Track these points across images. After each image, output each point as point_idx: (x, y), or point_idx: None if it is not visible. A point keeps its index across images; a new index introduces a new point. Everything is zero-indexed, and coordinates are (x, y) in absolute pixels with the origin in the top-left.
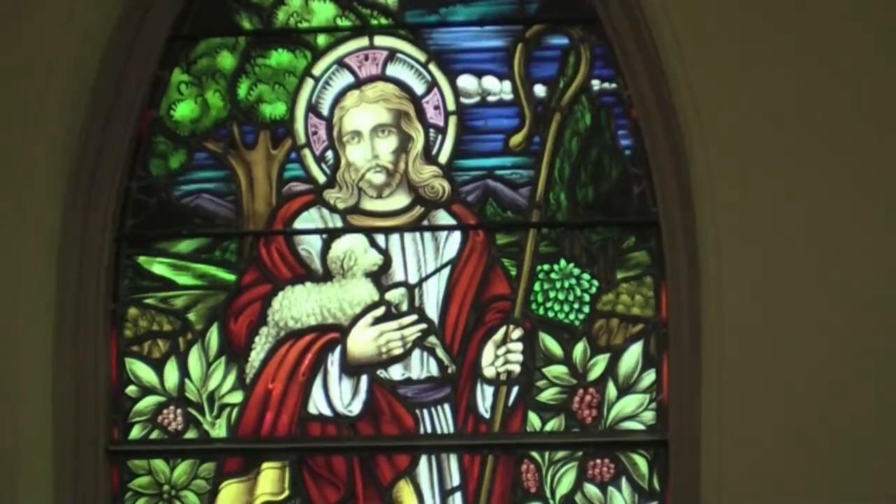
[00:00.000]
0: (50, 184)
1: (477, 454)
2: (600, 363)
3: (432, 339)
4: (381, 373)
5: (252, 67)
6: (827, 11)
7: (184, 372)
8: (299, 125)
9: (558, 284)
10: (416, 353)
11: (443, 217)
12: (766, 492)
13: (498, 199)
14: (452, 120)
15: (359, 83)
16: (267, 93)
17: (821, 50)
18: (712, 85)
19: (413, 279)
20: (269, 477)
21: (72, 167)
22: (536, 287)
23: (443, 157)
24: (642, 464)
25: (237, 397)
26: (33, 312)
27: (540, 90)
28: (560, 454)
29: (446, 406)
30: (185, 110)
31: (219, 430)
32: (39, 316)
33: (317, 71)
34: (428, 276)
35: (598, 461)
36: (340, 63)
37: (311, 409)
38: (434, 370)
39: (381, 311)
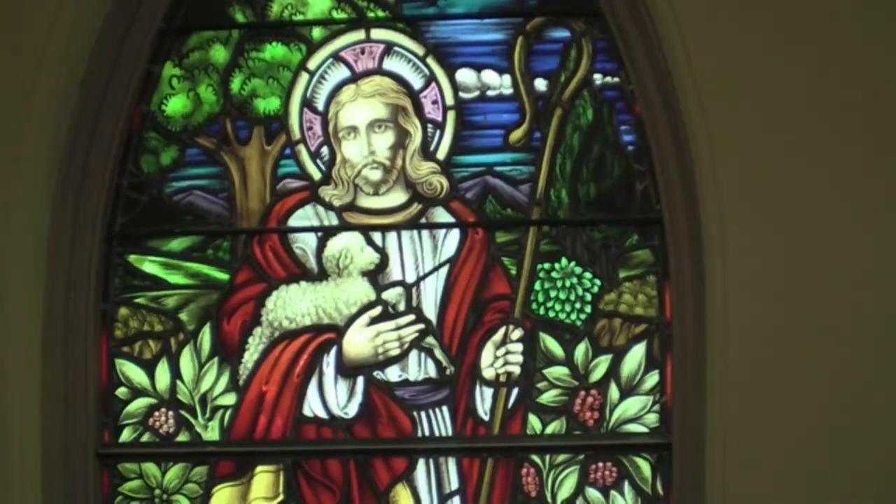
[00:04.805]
0: (39, 180)
1: (476, 457)
2: (602, 364)
3: (430, 340)
4: (377, 374)
5: (245, 61)
6: (832, 7)
7: (175, 373)
8: (294, 120)
9: (559, 284)
10: (414, 353)
11: (441, 215)
12: (771, 495)
13: (497, 196)
14: (451, 115)
15: (355, 77)
16: (261, 87)
17: (826, 46)
18: (717, 80)
19: (410, 278)
20: (263, 481)
21: (61, 163)
22: (537, 286)
23: (441, 153)
24: (645, 467)
25: (230, 399)
26: (22, 312)
27: (541, 84)
28: (561, 457)
29: (444, 408)
30: (176, 105)
31: (211, 433)
32: (28, 316)
33: (312, 65)
34: (426, 276)
35: (600, 465)
36: (336, 57)
37: (306, 412)
38: (432, 371)
39: (377, 310)
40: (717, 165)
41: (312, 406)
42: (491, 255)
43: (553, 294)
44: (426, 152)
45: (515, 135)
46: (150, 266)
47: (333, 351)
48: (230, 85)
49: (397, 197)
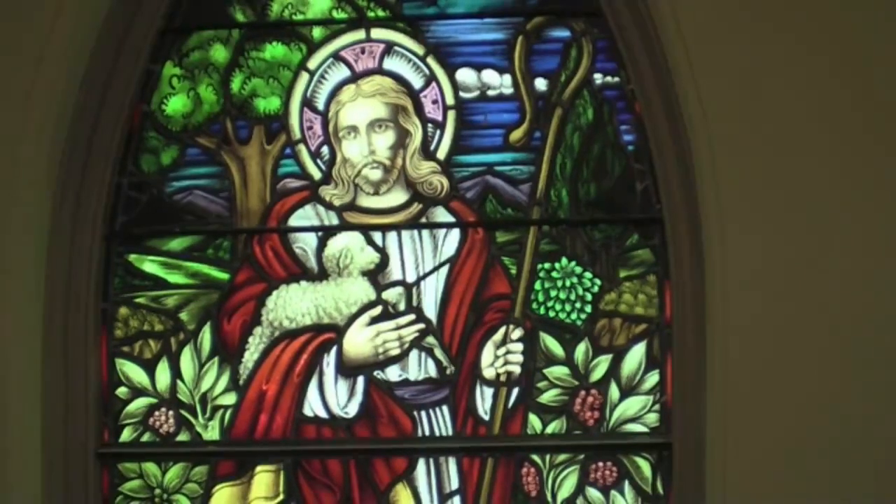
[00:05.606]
0: (39, 180)
1: (476, 457)
2: (602, 364)
3: (430, 340)
4: (377, 374)
5: (246, 61)
6: (833, 7)
7: (176, 373)
8: (294, 120)
9: (559, 283)
10: (414, 353)
11: (441, 214)
12: (771, 494)
13: (498, 196)
14: (451, 114)
15: (355, 77)
16: (261, 87)
17: (825, 45)
18: (717, 79)
19: (411, 278)
20: (264, 480)
21: (61, 162)
22: (537, 286)
23: (441, 153)
24: (645, 467)
25: (230, 399)
26: (22, 312)
27: (541, 84)
28: (561, 457)
29: (445, 408)
30: (177, 105)
31: (211, 433)
32: (28, 316)
33: (312, 64)
34: (426, 275)
35: (601, 464)
36: (336, 56)
37: (307, 411)
38: (432, 371)
39: (377, 310)
40: (717, 165)
41: (313, 406)
42: (491, 254)
43: (553, 294)
44: (426, 152)
45: (515, 134)
46: (150, 266)
47: (333, 350)
48: (230, 84)
49: (397, 196)
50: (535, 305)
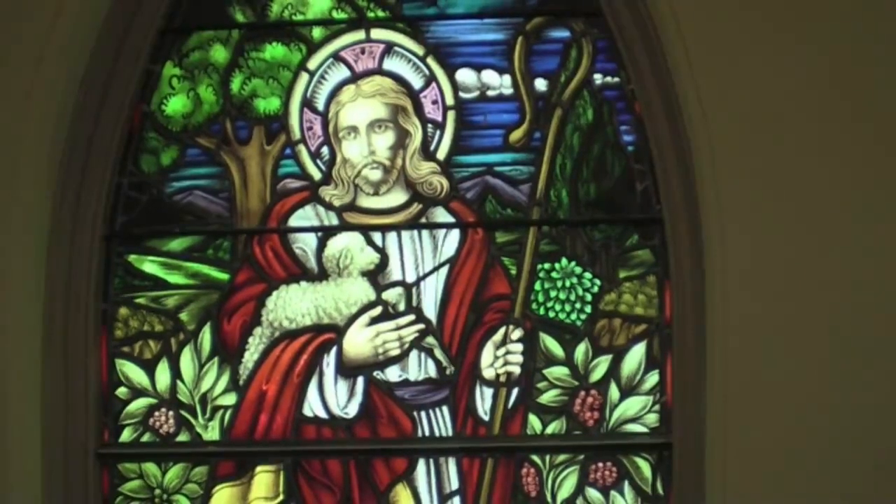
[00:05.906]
0: (38, 180)
1: (476, 457)
2: (602, 364)
3: (430, 340)
4: (377, 374)
5: (245, 61)
6: (833, 7)
7: (176, 373)
8: (294, 120)
9: (559, 284)
10: (414, 353)
11: (441, 214)
12: (771, 495)
13: (497, 196)
14: (451, 115)
15: (355, 77)
16: (261, 87)
17: (825, 43)
18: (717, 79)
19: (410, 278)
20: (263, 481)
21: (61, 163)
22: (537, 286)
23: (441, 153)
24: (645, 467)
25: (230, 399)
26: (21, 312)
27: (541, 84)
28: (561, 457)
29: (445, 408)
30: (176, 105)
31: (211, 433)
32: (28, 315)
33: (312, 65)
34: (426, 275)
35: (601, 464)
36: (336, 57)
37: (307, 412)
38: (432, 371)
39: (377, 310)
40: (717, 165)
41: (312, 406)
42: (491, 255)
43: (553, 294)
44: (426, 152)
45: (515, 135)
46: (150, 266)
47: (333, 351)
48: (230, 85)
49: (397, 197)
50: (534, 306)
